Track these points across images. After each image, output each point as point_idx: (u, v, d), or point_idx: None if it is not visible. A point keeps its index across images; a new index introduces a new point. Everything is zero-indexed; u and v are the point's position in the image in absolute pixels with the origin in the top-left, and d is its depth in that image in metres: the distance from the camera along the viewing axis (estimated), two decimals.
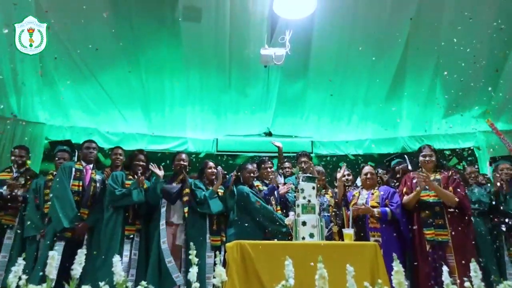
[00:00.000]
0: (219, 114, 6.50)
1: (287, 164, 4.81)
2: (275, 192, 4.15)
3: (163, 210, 3.81)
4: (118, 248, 3.52)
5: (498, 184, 3.92)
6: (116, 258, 2.16)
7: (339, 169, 4.10)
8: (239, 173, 4.13)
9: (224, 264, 2.85)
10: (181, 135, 6.85)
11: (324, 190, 4.22)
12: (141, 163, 3.99)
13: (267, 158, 4.45)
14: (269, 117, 6.64)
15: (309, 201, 3.03)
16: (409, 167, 4.09)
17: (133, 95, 6.01)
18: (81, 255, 2.15)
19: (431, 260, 3.28)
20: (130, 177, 3.94)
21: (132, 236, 3.69)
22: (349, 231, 3.05)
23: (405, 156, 4.43)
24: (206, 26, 4.72)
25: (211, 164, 4.22)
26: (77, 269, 2.11)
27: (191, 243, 2.13)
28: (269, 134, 7.01)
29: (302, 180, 3.13)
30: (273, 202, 4.08)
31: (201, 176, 4.21)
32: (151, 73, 5.68)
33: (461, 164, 6.51)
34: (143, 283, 2.06)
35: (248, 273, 2.66)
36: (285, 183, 4.32)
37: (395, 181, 4.15)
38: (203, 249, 3.78)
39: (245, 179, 4.10)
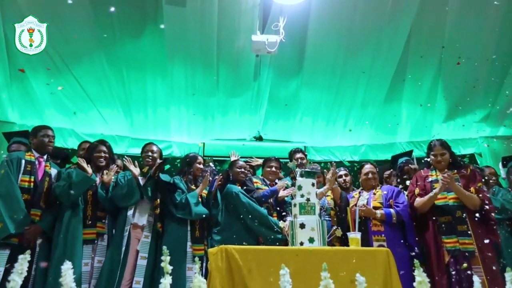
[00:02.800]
0: (206, 116, 6.05)
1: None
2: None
3: (130, 212, 3.25)
4: (76, 255, 2.94)
5: None
6: (66, 266, 1.69)
7: (328, 169, 3.67)
8: (228, 172, 3.62)
9: (206, 274, 2.38)
10: (165, 139, 6.37)
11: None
12: (103, 154, 3.41)
13: (273, 157, 3.93)
14: (259, 119, 6.23)
15: (308, 199, 2.58)
16: (416, 166, 3.66)
17: (113, 93, 5.54)
18: (22, 262, 1.70)
19: (454, 272, 2.80)
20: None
21: (94, 240, 3.13)
22: (355, 235, 2.60)
23: (414, 155, 4.00)
24: (192, 12, 4.28)
25: (201, 159, 3.67)
26: (15, 281, 1.65)
27: (164, 247, 1.67)
28: (259, 138, 6.58)
29: (300, 176, 2.68)
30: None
31: (187, 171, 3.61)
32: (131, 68, 5.23)
33: None
34: None
35: (235, 285, 2.18)
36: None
37: (399, 180, 3.71)
38: (183, 259, 3.24)
39: (235, 176, 3.58)
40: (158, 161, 3.46)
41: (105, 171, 3.43)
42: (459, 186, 2.99)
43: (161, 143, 6.30)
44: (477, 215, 2.88)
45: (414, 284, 1.64)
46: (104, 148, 3.45)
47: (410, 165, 3.73)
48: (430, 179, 3.19)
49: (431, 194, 3.03)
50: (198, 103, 5.80)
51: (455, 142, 6.51)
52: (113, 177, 3.40)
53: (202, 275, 2.83)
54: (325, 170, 3.64)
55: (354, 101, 5.81)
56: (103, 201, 3.27)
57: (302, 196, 2.59)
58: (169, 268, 1.64)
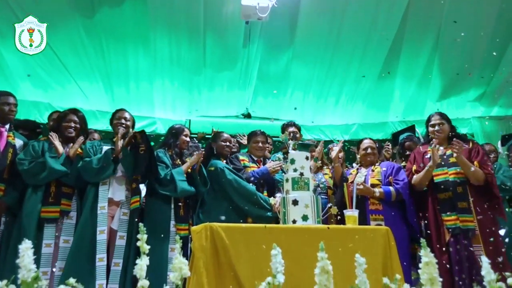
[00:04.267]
0: (192, 91, 5.75)
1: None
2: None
3: (103, 188, 2.96)
4: (35, 235, 2.67)
5: None
6: (25, 245, 1.44)
7: (332, 145, 3.43)
8: (211, 145, 3.35)
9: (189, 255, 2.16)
10: (149, 115, 6.07)
11: (321, 164, 3.52)
12: (73, 124, 3.09)
13: (259, 131, 3.57)
14: (248, 96, 5.96)
15: (301, 174, 2.36)
16: (421, 141, 3.46)
17: (92, 65, 5.19)
18: None
19: (453, 252, 2.65)
20: None
21: (57, 218, 2.84)
22: (352, 213, 2.40)
23: (417, 129, 3.80)
24: None
25: (187, 131, 3.39)
26: None
27: (141, 224, 1.44)
28: (248, 115, 6.33)
29: (293, 149, 2.45)
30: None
31: (173, 144, 3.31)
32: (111, 38, 4.89)
33: None
34: (71, 281, 1.37)
35: (221, 266, 1.97)
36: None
37: (403, 158, 3.51)
38: (166, 239, 2.98)
39: (219, 150, 3.31)
40: (132, 131, 3.15)
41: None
42: (465, 159, 2.79)
43: (145, 120, 6.04)
44: (478, 190, 2.73)
45: (420, 265, 1.47)
46: (74, 118, 3.13)
47: (412, 140, 3.52)
48: (428, 155, 3.01)
49: (426, 168, 2.86)
50: (184, 76, 5.50)
51: None
52: (79, 150, 3.07)
53: (187, 257, 2.60)
54: (329, 146, 3.38)
55: (347, 76, 5.58)
56: (65, 177, 2.95)
57: (295, 170, 2.37)
58: (146, 247, 1.43)
